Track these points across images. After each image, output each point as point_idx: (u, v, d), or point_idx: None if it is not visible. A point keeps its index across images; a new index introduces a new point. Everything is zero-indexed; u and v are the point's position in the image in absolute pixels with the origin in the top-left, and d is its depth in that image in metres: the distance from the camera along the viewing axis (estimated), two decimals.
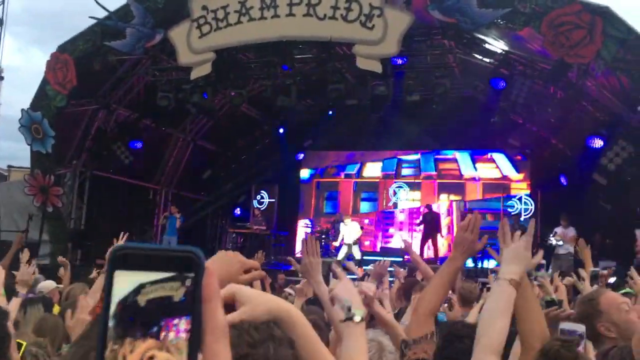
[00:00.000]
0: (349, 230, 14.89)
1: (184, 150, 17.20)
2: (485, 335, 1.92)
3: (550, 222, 13.60)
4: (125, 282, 0.60)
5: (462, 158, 17.87)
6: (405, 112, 14.78)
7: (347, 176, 18.83)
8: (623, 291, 4.29)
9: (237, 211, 19.20)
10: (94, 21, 12.78)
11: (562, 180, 15.42)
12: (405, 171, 18.26)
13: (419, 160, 18.25)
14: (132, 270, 0.60)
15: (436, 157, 18.10)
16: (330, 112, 16.50)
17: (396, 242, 17.61)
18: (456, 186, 17.76)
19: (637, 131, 11.22)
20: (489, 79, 12.91)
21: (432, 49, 12.13)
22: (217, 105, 15.45)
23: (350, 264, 8.39)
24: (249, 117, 16.89)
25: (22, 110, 13.40)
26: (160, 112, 14.15)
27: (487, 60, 12.88)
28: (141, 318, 0.59)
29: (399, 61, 12.30)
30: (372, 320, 3.65)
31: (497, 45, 12.35)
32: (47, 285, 6.44)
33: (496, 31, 11.65)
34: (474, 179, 17.61)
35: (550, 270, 11.82)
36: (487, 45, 12.49)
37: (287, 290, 6.75)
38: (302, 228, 18.13)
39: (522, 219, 15.63)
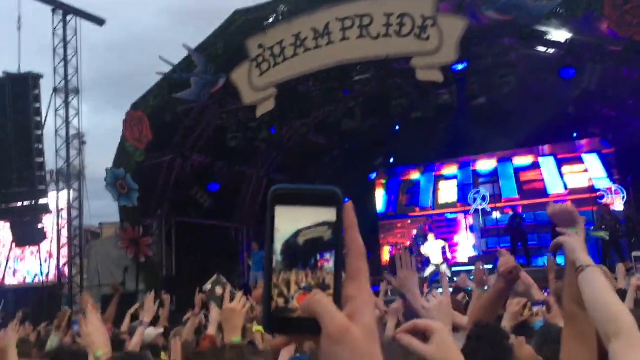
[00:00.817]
0: (434, 250, 14.56)
1: (259, 186, 17.56)
2: (613, 323, 1.86)
3: None
4: (283, 216, 0.76)
5: (546, 164, 16.96)
6: (475, 117, 14.49)
7: (423, 209, 18.42)
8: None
9: None
10: (160, 76, 13.44)
11: None
12: (483, 190, 17.64)
13: (496, 171, 17.57)
14: (288, 206, 0.76)
15: (515, 166, 17.40)
16: (397, 128, 16.44)
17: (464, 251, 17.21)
18: (541, 206, 16.75)
19: None
20: (557, 70, 12.47)
21: (492, 49, 11.89)
22: (285, 137, 15.76)
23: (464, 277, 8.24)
24: (317, 144, 17.07)
25: (107, 169, 14.18)
26: (232, 152, 14.61)
27: (552, 51, 12.45)
28: (302, 254, 0.76)
29: (460, 67, 12.12)
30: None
31: (560, 34, 11.93)
32: (150, 333, 6.71)
33: (557, 20, 11.27)
34: (560, 196, 16.23)
35: None
36: (549, 37, 12.09)
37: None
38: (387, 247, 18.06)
39: (613, 208, 14.86)
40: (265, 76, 12.42)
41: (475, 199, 17.61)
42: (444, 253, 14.59)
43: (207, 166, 15.54)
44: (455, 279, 13.38)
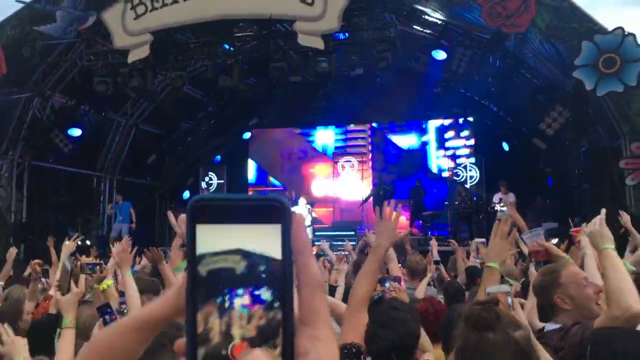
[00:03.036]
0: (300, 212, 14.78)
1: (127, 135, 16.73)
2: None
3: (494, 188, 14.02)
4: (207, 236, 0.57)
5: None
6: (350, 87, 14.83)
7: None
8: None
9: (186, 194, 18.92)
10: (21, 5, 12.17)
11: (504, 146, 15.87)
12: (353, 160, 18.31)
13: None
14: (213, 224, 0.57)
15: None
16: (275, 90, 16.37)
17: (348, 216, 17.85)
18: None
19: (573, 96, 11.59)
20: (430, 50, 13.04)
21: (373, 22, 12.11)
22: (158, 87, 15.07)
23: (325, 246, 8.43)
24: (192, 98, 16.54)
25: None
26: (99, 98, 13.71)
27: (428, 32, 12.98)
28: (203, 288, 0.57)
29: (341, 36, 12.25)
30: None
31: (436, 16, 12.46)
32: None
33: (435, 2, 11.75)
34: None
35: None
36: (427, 17, 12.58)
37: None
38: None
39: (467, 186, 16.03)
40: (141, 20, 11.68)
41: (344, 167, 18.16)
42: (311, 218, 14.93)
43: (70, 109, 14.46)
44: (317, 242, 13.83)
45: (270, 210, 0.57)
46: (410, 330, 2.42)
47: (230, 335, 0.57)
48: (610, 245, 2.70)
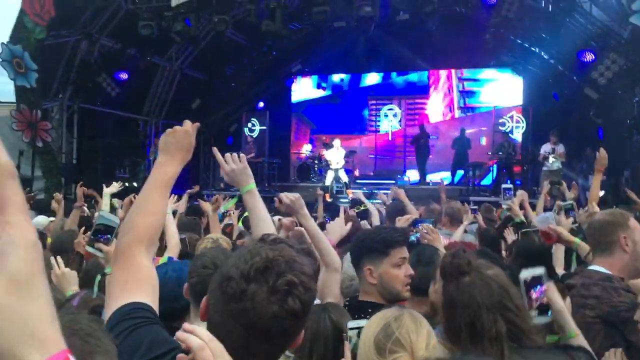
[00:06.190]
0: (337, 156, 14.70)
1: (171, 79, 16.90)
2: None
3: (542, 138, 13.64)
4: None
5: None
6: (395, 32, 14.47)
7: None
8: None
9: (229, 140, 19.13)
10: None
11: (554, 96, 15.32)
12: (395, 108, 17.99)
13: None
14: None
15: None
16: (318, 36, 16.14)
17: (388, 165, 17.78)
18: None
19: (628, 44, 11.04)
20: None
21: None
22: (202, 32, 15.06)
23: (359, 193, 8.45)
24: (236, 43, 16.48)
25: (2, 44, 13.03)
26: (144, 42, 13.83)
27: None
28: None
29: None
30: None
31: None
32: (41, 221, 6.52)
33: None
34: None
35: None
36: None
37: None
38: (295, 154, 18.19)
39: (512, 136, 15.64)
40: None
41: (387, 115, 17.95)
42: (346, 161, 14.87)
43: (117, 53, 14.66)
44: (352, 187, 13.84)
45: None
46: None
47: None
48: None
